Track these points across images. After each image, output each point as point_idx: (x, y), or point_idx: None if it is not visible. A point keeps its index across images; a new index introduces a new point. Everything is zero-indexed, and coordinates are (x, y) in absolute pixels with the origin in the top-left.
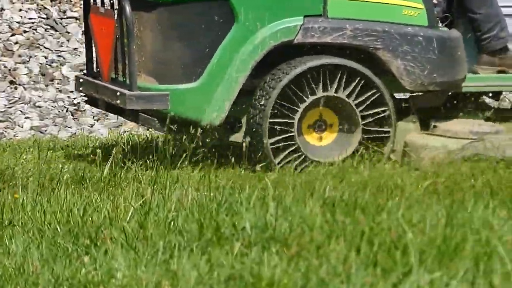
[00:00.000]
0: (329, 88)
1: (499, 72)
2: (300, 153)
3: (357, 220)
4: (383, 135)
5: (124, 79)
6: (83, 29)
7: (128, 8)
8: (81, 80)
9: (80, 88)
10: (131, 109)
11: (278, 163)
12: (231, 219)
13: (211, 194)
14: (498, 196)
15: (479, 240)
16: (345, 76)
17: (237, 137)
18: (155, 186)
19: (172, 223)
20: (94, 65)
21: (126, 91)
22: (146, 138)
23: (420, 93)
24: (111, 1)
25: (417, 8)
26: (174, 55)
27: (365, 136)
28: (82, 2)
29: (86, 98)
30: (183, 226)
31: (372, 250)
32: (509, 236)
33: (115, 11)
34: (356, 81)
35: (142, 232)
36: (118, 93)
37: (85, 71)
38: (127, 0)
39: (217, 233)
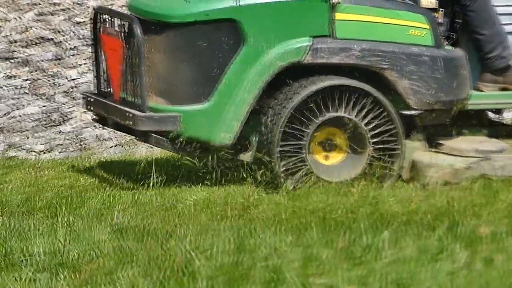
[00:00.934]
0: (338, 109)
1: (502, 89)
2: (310, 173)
3: (146, 246)
4: (393, 152)
5: (135, 99)
6: None
7: (138, 30)
8: (90, 99)
9: (90, 107)
10: (142, 130)
11: (289, 180)
12: (20, 245)
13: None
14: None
15: (267, 266)
16: (354, 97)
17: (245, 156)
18: None
19: None
20: (102, 83)
21: (137, 113)
22: None
23: (427, 111)
24: (122, 22)
25: (422, 28)
26: (183, 76)
27: (375, 155)
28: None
29: (96, 117)
30: None
31: (162, 276)
32: (296, 261)
33: (124, 32)
34: (365, 101)
35: None
36: (129, 114)
37: (92, 90)
38: (137, 22)
39: (6, 259)
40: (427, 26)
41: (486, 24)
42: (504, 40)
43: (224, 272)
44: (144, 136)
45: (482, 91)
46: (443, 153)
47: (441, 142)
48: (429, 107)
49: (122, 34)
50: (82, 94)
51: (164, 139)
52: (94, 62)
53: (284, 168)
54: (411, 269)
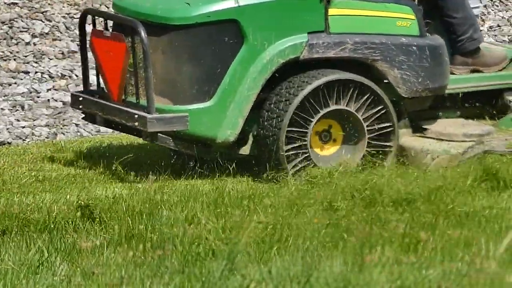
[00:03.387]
0: (341, 102)
1: (473, 71)
2: (310, 161)
3: None
4: (386, 149)
5: (137, 101)
6: None
7: (143, 33)
8: (80, 98)
9: (79, 106)
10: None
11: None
12: None
13: None
14: None
15: None
16: (356, 91)
17: (244, 150)
18: None
19: None
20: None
21: (146, 114)
22: None
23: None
24: (105, 22)
25: (409, 19)
26: (187, 76)
27: (369, 150)
28: None
29: (84, 115)
30: None
31: None
32: None
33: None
34: (366, 96)
35: None
36: (137, 116)
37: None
38: (141, 26)
39: None
40: (413, 17)
41: (457, 8)
42: (475, 22)
43: None
44: (152, 136)
45: (453, 73)
46: (431, 138)
47: (425, 127)
48: (418, 94)
49: (122, 37)
50: (71, 93)
51: (170, 138)
52: (82, 62)
53: (287, 154)
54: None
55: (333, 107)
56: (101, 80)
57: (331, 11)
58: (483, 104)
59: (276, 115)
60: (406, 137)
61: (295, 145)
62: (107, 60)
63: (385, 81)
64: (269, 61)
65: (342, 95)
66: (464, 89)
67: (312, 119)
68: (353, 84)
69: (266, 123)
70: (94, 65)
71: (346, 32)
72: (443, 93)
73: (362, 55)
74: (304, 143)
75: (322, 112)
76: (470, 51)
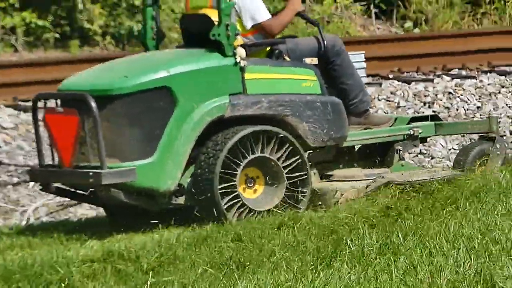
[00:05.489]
0: (260, 150)
1: (365, 129)
2: (242, 204)
3: None
4: (301, 196)
5: (89, 163)
6: None
7: (93, 104)
8: (36, 172)
9: (36, 178)
10: (104, 184)
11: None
12: None
13: None
14: None
15: None
16: (277, 142)
17: (181, 200)
18: None
19: None
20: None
21: (99, 170)
22: None
23: (318, 150)
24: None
25: (312, 80)
26: (131, 137)
27: (287, 194)
28: None
29: (41, 187)
30: None
31: None
32: None
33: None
34: (286, 146)
35: None
36: (91, 173)
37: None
38: (90, 97)
39: None
40: (315, 79)
41: (349, 76)
42: (364, 87)
43: None
44: (105, 191)
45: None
46: (338, 180)
47: (330, 173)
48: (324, 144)
49: (75, 111)
50: (27, 169)
51: (121, 191)
52: (36, 139)
53: (223, 203)
54: None
55: (254, 155)
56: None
57: (247, 76)
58: (376, 155)
59: (210, 161)
60: (316, 182)
61: (229, 194)
62: (60, 132)
63: (296, 133)
64: (199, 119)
65: (266, 145)
66: (361, 141)
67: (241, 164)
68: (275, 136)
69: (200, 170)
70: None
71: (261, 93)
72: (344, 142)
73: (276, 112)
74: (234, 189)
75: (249, 158)
76: (362, 112)
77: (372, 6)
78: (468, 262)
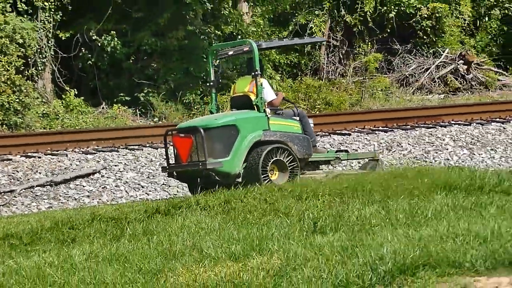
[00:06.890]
0: (278, 156)
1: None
2: (269, 181)
3: None
4: (295, 178)
5: (197, 160)
6: None
7: (202, 130)
8: (166, 167)
9: (172, 172)
10: (207, 168)
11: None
12: None
13: None
14: None
15: None
16: (285, 153)
17: (239, 179)
18: None
19: None
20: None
21: (205, 161)
22: None
23: (300, 160)
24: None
25: (298, 126)
26: (219, 147)
27: (289, 177)
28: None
29: (167, 175)
30: None
31: None
32: None
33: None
34: (288, 155)
35: None
36: (200, 163)
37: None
38: (200, 128)
39: None
40: (299, 125)
41: (307, 127)
42: (313, 134)
43: None
44: (205, 178)
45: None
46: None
47: (303, 171)
48: (303, 156)
49: (191, 135)
50: (163, 169)
51: (213, 173)
52: (166, 152)
53: (262, 180)
54: None
55: (274, 158)
56: (173, 159)
57: (270, 122)
58: (318, 166)
59: (255, 161)
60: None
61: (263, 171)
62: (181, 147)
63: (292, 150)
64: (250, 140)
65: (280, 154)
66: (315, 158)
67: (269, 162)
68: (284, 150)
69: (251, 164)
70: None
71: (277, 130)
72: (310, 157)
73: (283, 139)
74: (266, 171)
75: (272, 160)
76: (314, 146)
77: None
78: None
